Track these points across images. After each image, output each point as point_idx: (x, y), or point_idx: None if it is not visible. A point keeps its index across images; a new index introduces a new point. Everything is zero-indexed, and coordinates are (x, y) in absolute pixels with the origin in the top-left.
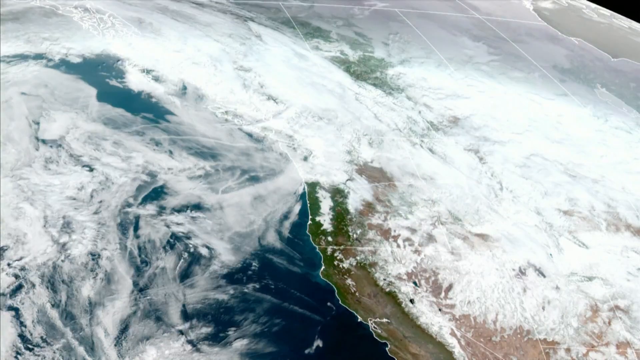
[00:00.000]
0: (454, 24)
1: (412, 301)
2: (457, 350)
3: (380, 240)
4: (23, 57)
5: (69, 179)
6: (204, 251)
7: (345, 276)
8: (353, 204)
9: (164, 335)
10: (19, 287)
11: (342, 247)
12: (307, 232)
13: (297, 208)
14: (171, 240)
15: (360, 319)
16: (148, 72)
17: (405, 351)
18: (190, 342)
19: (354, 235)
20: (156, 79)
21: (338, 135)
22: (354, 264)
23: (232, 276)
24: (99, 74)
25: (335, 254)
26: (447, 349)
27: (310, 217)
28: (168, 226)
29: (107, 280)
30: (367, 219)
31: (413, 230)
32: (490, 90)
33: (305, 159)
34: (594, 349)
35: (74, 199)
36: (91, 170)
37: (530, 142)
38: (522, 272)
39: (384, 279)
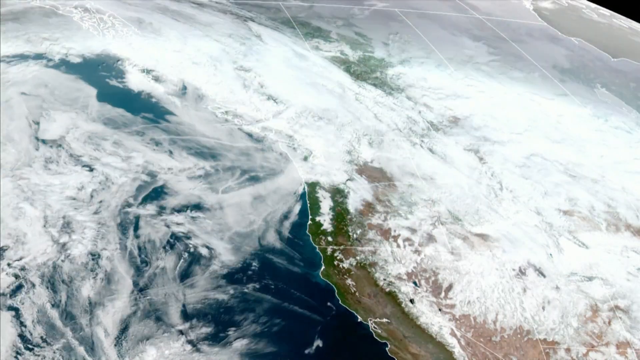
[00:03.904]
0: (454, 24)
1: (412, 301)
2: (457, 350)
3: (380, 240)
4: (23, 57)
5: (69, 179)
6: (204, 251)
7: (345, 276)
8: (353, 204)
9: (164, 335)
10: (19, 287)
11: (342, 247)
12: (307, 232)
13: (297, 208)
14: (171, 240)
15: (360, 319)
16: (148, 72)
17: (405, 351)
18: (190, 342)
19: (354, 235)
20: (156, 79)
21: (338, 135)
22: (354, 264)
23: (232, 276)
24: (99, 74)
25: (335, 254)
26: (447, 349)
27: (310, 217)
28: (168, 226)
29: (107, 280)
30: (367, 219)
31: (413, 230)
32: (490, 90)
33: (305, 159)
34: (594, 349)
35: (74, 199)
36: (91, 170)
37: (530, 142)
38: (522, 272)
39: (384, 279)
